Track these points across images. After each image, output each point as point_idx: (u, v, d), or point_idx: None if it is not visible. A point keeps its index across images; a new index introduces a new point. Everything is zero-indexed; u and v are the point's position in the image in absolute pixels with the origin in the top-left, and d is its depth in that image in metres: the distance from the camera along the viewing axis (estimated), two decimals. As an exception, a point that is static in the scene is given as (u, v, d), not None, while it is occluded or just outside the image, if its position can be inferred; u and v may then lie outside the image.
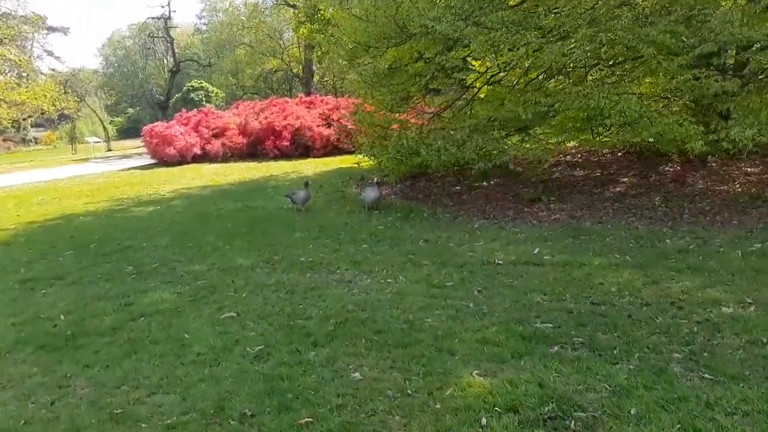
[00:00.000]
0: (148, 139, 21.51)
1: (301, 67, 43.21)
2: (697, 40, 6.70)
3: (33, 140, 53.69)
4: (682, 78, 6.80)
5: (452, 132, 8.14)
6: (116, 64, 71.90)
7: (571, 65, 7.61)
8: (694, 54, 6.69)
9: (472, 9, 7.32)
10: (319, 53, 35.12)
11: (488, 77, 9.07)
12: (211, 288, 5.54)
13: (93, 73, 66.05)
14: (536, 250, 6.04)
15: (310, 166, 16.59)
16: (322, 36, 32.97)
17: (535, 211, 8.05)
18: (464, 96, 9.87)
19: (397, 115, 9.45)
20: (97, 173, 19.91)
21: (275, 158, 19.88)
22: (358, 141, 10.67)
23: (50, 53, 61.64)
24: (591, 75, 8.29)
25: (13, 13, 39.26)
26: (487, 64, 8.90)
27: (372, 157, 10.16)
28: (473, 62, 9.60)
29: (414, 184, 10.98)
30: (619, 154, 11.34)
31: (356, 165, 13.51)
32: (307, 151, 20.14)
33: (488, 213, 8.23)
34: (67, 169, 22.49)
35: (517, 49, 6.87)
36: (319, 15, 32.87)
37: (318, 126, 20.21)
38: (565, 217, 7.63)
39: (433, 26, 7.35)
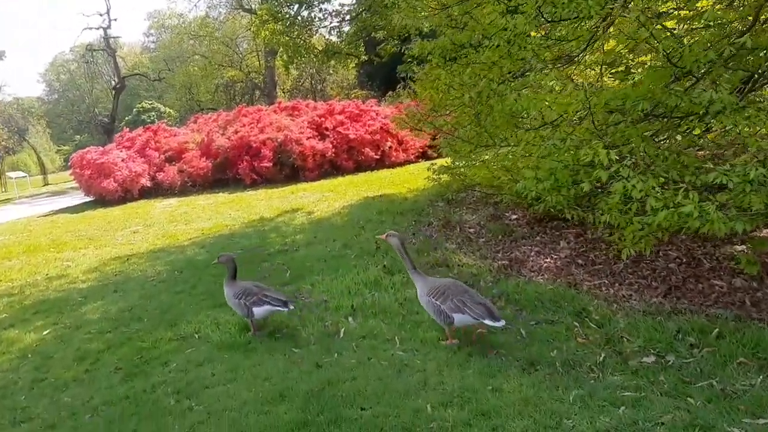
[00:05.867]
0: (78, 170, 14.95)
1: (261, 77, 36.77)
2: None
3: (-31, 177, 45.23)
4: None
5: None
6: (60, 90, 63.36)
7: None
8: None
9: None
10: (285, 57, 28.85)
11: None
12: None
13: (36, 101, 57.72)
14: None
15: (312, 197, 10.53)
16: (287, 38, 26.83)
17: None
18: None
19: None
20: (5, 224, 13.25)
21: (253, 185, 13.76)
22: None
23: (-15, 80, 52.56)
24: None
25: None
26: None
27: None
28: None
29: (589, 250, 5.15)
30: None
31: (439, 200, 7.60)
32: (296, 172, 14.10)
33: None
34: (-29, 218, 15.65)
35: None
36: (284, 13, 26.66)
37: (308, 138, 14.18)
38: None
39: None
